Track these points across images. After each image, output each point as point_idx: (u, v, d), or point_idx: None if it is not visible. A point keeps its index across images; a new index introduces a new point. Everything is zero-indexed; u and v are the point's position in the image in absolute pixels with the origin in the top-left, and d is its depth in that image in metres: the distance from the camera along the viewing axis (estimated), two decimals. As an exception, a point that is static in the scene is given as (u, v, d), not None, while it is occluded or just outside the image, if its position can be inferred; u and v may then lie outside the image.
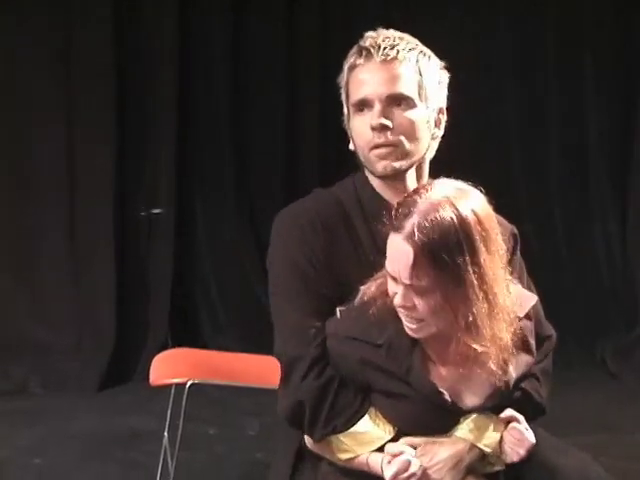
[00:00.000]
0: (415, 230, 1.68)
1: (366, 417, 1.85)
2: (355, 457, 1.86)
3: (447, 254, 1.67)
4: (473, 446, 1.83)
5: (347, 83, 2.04)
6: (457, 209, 1.69)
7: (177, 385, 2.95)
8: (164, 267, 5.37)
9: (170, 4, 5.38)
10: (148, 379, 3.02)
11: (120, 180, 5.30)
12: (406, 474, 1.78)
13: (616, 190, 5.72)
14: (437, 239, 1.67)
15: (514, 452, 1.81)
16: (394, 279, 1.74)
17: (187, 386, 2.86)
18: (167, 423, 3.14)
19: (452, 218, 1.68)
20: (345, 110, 2.07)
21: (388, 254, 1.75)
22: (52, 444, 4.01)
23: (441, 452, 1.82)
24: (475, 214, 1.71)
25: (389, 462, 1.80)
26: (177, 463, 3.07)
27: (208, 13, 5.48)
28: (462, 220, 1.69)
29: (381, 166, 1.99)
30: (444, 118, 2.07)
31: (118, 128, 5.28)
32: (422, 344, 1.81)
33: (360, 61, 1.99)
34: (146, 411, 4.23)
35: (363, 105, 2.00)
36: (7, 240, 5.27)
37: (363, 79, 1.99)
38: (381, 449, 1.84)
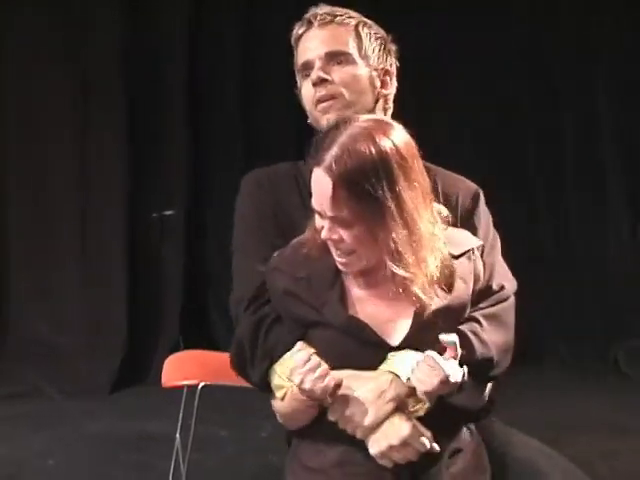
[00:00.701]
0: (332, 161, 1.72)
1: (298, 348, 1.81)
2: (287, 391, 1.83)
3: (364, 183, 1.70)
4: (396, 378, 1.77)
5: (295, 56, 2.15)
6: (375, 140, 1.72)
7: (189, 387, 2.95)
8: (176, 269, 5.38)
9: (181, 5, 5.41)
10: (160, 381, 3.03)
11: (132, 182, 5.32)
12: (305, 368, 1.74)
13: (632, 193, 5.72)
14: (354, 168, 1.70)
15: (426, 381, 1.72)
16: (320, 214, 1.77)
17: (199, 388, 2.86)
18: (179, 425, 3.14)
19: (370, 148, 1.71)
20: (298, 83, 2.17)
21: (312, 189, 1.78)
22: (65, 446, 4.02)
23: (364, 384, 1.78)
24: (393, 144, 1.73)
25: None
26: (189, 465, 3.07)
27: (218, 11, 5.51)
28: (379, 150, 1.71)
29: (325, 119, 2.06)
30: (392, 81, 2.15)
31: (131, 130, 5.31)
32: (347, 280, 1.82)
33: (301, 30, 2.12)
34: (158, 413, 4.23)
35: (307, 68, 2.11)
36: (19, 244, 5.29)
37: (305, 46, 2.11)
38: None
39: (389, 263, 1.75)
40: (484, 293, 1.92)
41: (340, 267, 1.80)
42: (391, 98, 2.15)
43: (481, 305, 1.91)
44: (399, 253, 1.74)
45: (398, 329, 1.80)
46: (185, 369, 3.08)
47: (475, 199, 2.08)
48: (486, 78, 5.74)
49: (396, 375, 1.77)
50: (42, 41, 5.23)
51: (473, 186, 2.11)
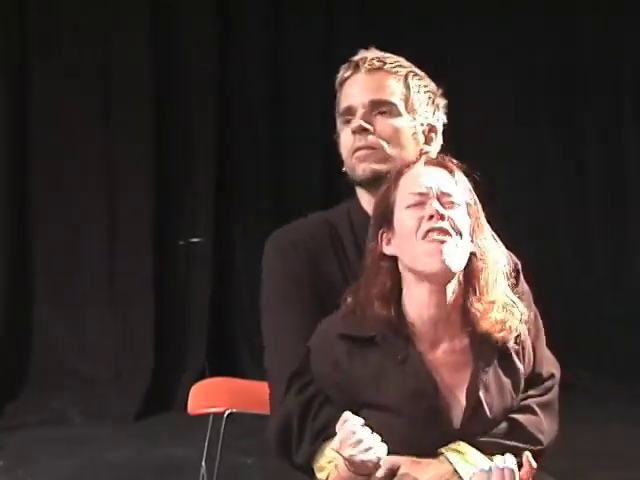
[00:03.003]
0: (440, 157, 1.87)
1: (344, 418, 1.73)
2: (329, 473, 1.77)
3: (469, 185, 1.84)
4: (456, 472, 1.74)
5: (338, 99, 2.05)
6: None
7: (215, 414, 2.95)
8: (202, 296, 5.39)
9: (208, 34, 5.46)
10: (186, 408, 3.02)
11: (159, 210, 5.35)
12: (354, 439, 1.66)
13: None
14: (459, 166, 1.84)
15: None
16: (417, 204, 1.77)
17: (225, 415, 2.85)
18: (205, 452, 3.13)
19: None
20: (338, 128, 2.06)
21: (414, 179, 1.80)
22: (90, 473, 4.04)
23: (425, 471, 1.74)
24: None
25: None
26: (215, 493, 3.06)
27: (246, 40, 5.53)
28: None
29: (360, 168, 1.97)
30: (437, 137, 2.05)
31: (157, 158, 5.34)
32: (415, 337, 1.79)
33: (348, 73, 2.01)
34: (184, 440, 4.21)
35: (349, 114, 2.00)
36: (47, 271, 5.32)
37: (350, 91, 2.00)
38: None
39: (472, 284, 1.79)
40: (535, 380, 1.91)
41: (433, 261, 1.74)
42: (434, 155, 2.02)
43: (532, 392, 1.89)
44: (487, 277, 1.79)
45: (457, 408, 1.78)
46: (211, 396, 3.06)
47: (515, 276, 1.96)
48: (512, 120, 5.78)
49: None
50: (79, 71, 5.28)
51: (513, 257, 1.99)
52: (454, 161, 1.84)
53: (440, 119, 2.06)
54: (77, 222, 5.33)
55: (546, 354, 1.97)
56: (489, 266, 1.79)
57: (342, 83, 2.03)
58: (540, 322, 2.00)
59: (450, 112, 2.11)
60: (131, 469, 4.07)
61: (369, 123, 1.96)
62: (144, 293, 5.27)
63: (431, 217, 1.75)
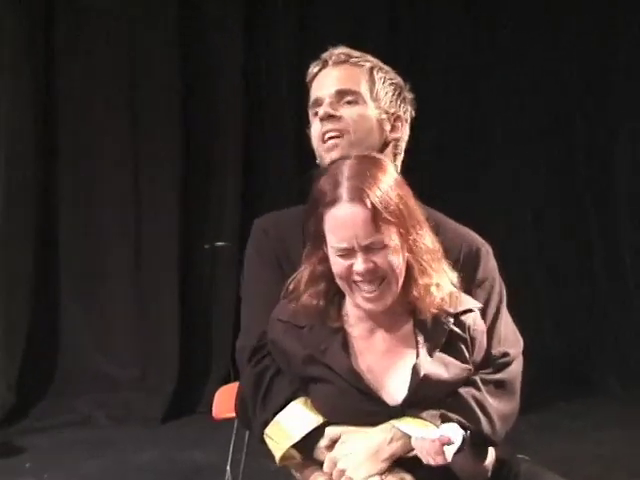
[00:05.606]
0: (359, 189, 1.76)
1: (295, 404, 1.84)
2: (290, 458, 1.88)
3: (390, 204, 1.76)
4: (395, 438, 1.77)
5: (310, 95, 2.13)
6: (382, 165, 1.84)
7: (240, 419, 2.95)
8: (228, 300, 5.38)
9: (235, 39, 5.46)
10: (211, 412, 3.03)
11: (185, 213, 5.36)
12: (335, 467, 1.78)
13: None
14: (380, 191, 1.76)
15: (427, 459, 1.72)
16: (345, 254, 1.78)
17: (250, 420, 2.85)
18: (229, 457, 3.14)
19: (382, 172, 1.80)
20: (310, 120, 2.14)
21: (335, 229, 1.78)
22: (116, 475, 4.04)
23: (359, 441, 1.78)
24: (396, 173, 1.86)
25: None
26: (238, 498, 3.07)
27: (274, 45, 5.54)
28: (391, 173, 1.83)
29: (328, 157, 2.05)
30: (403, 127, 2.13)
31: (183, 160, 5.35)
32: (349, 329, 1.86)
33: (316, 69, 2.13)
34: (209, 444, 4.24)
35: (317, 105, 2.09)
36: (74, 274, 5.34)
37: (318, 84, 2.11)
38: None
39: (416, 273, 1.81)
40: (486, 360, 1.90)
41: (369, 304, 1.81)
42: (402, 145, 2.13)
43: (484, 371, 1.89)
44: (423, 265, 1.81)
45: (393, 387, 1.82)
46: (236, 401, 3.07)
47: (476, 256, 2.00)
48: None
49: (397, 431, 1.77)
50: (101, 71, 5.31)
51: (476, 242, 2.03)
52: (376, 192, 1.79)
53: (407, 111, 2.14)
54: (104, 224, 5.35)
55: (503, 333, 1.95)
56: (423, 257, 1.82)
57: (312, 79, 2.13)
58: (504, 303, 2.00)
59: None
60: (156, 472, 4.08)
61: (336, 110, 2.05)
62: (170, 296, 5.28)
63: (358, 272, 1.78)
